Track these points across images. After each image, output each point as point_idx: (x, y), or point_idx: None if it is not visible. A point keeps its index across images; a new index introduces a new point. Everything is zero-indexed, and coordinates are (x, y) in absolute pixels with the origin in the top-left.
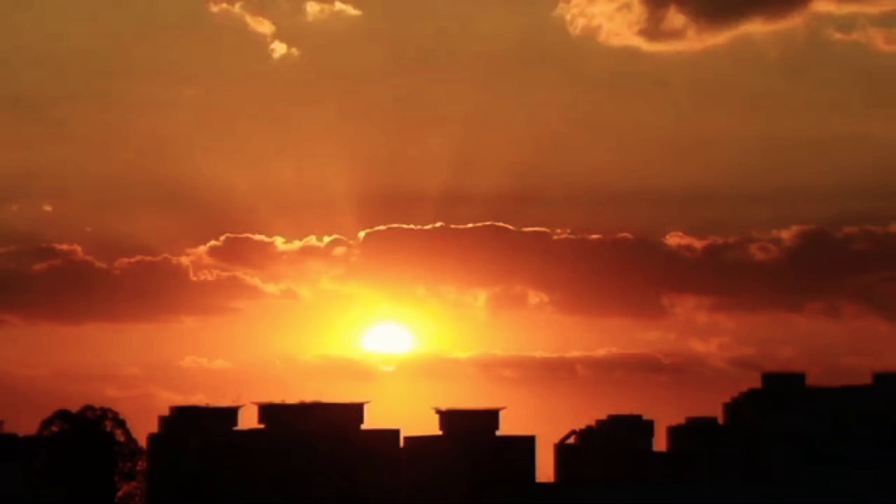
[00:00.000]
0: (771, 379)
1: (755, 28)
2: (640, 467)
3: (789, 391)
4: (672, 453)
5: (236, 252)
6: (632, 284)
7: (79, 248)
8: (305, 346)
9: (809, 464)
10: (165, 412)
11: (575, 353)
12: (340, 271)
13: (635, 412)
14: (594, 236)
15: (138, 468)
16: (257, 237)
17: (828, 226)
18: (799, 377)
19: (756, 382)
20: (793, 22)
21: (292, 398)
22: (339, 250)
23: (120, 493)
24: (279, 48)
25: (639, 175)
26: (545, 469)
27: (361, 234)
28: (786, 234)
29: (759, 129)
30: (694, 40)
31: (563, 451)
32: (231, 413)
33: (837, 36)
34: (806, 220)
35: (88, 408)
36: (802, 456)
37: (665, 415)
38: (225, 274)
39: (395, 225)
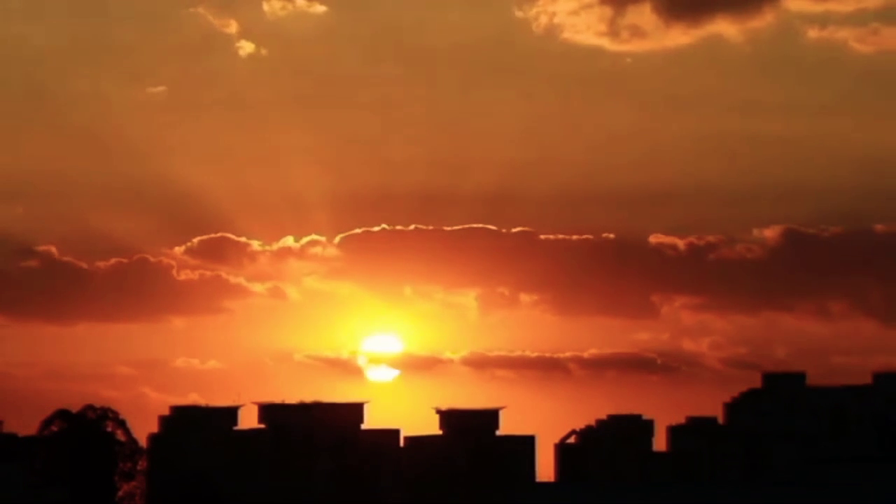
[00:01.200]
0: (771, 379)
1: (724, 27)
2: (640, 467)
3: (789, 391)
4: (672, 453)
5: (215, 253)
6: (618, 285)
7: (54, 249)
8: (296, 346)
9: (809, 464)
10: (157, 412)
11: (566, 353)
12: (323, 272)
13: (633, 412)
14: (578, 237)
15: (138, 468)
16: (235, 238)
17: (807, 225)
18: (799, 377)
19: (756, 382)
20: (764, 20)
21: (290, 398)
22: (318, 251)
23: (120, 493)
24: (246, 47)
25: (618, 175)
26: (545, 469)
27: (339, 237)
28: (767, 234)
29: (734, 129)
30: (667, 39)
31: (563, 451)
32: (231, 413)
33: (809, 34)
34: (785, 219)
35: (89, 407)
36: (802, 456)
37: (664, 414)
38: (208, 274)
39: (379, 227)
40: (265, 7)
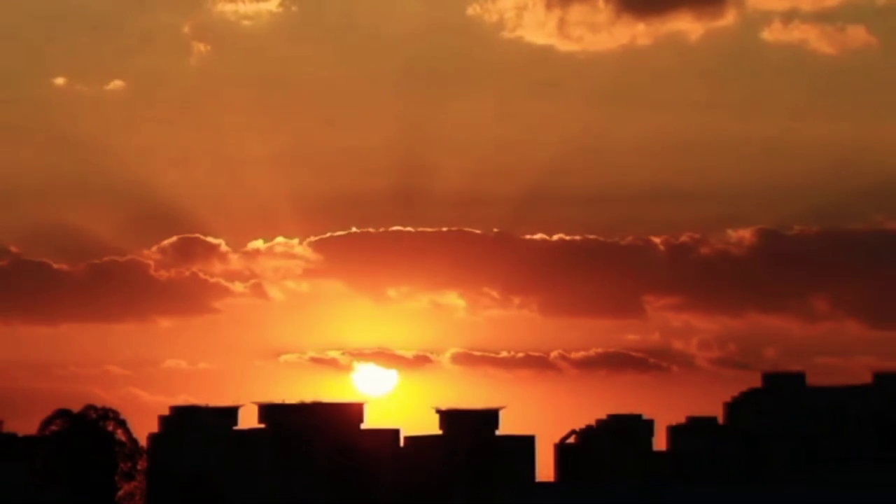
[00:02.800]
0: (771, 379)
1: (685, 25)
2: (640, 467)
3: (789, 391)
4: (672, 453)
5: (187, 254)
6: (600, 285)
7: (14, 249)
8: (285, 346)
9: (809, 464)
10: (148, 413)
11: (552, 353)
12: (299, 273)
13: (632, 412)
14: (558, 237)
15: (139, 468)
16: (204, 238)
17: (779, 226)
18: (799, 377)
19: (755, 382)
20: (726, 19)
21: (283, 398)
22: (298, 252)
23: (120, 493)
24: (203, 45)
25: (586, 176)
26: (545, 469)
27: (312, 239)
28: (740, 234)
29: (698, 129)
30: (627, 36)
31: (563, 451)
32: (231, 413)
33: (770, 33)
34: (756, 220)
35: (90, 407)
36: (802, 456)
37: (663, 414)
38: (186, 274)
39: (349, 230)
40: (225, 5)
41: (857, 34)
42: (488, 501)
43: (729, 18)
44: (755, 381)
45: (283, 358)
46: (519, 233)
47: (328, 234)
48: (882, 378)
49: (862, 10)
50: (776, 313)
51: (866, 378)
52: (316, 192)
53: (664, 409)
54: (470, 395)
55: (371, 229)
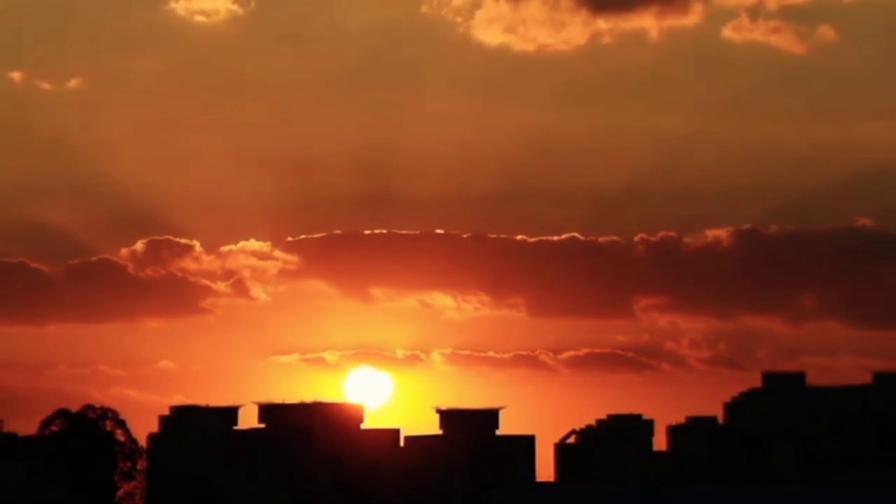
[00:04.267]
0: (771, 379)
1: (646, 22)
2: (641, 466)
3: (789, 391)
4: (672, 453)
5: (162, 255)
6: (584, 285)
7: None
8: (276, 346)
9: (809, 464)
10: (141, 413)
11: (541, 353)
12: (276, 274)
13: (624, 411)
14: (539, 238)
15: (138, 468)
16: (175, 240)
17: (759, 225)
18: (799, 377)
19: (754, 382)
20: (688, 17)
21: (285, 398)
22: (276, 253)
23: (120, 493)
24: (164, 44)
25: (559, 175)
26: (545, 469)
27: (288, 240)
28: (717, 233)
29: (666, 129)
30: (589, 35)
31: (563, 451)
32: (231, 413)
33: (732, 31)
34: (732, 219)
35: (89, 407)
36: (802, 456)
37: (660, 413)
38: (166, 273)
39: (334, 231)
40: (185, 3)
41: (824, 32)
42: (488, 501)
43: (693, 16)
44: (755, 381)
45: (274, 359)
46: (496, 232)
47: (302, 236)
48: (882, 378)
49: (828, 9)
50: (762, 313)
51: (866, 378)
52: (284, 194)
53: (659, 408)
54: (464, 394)
55: (338, 231)
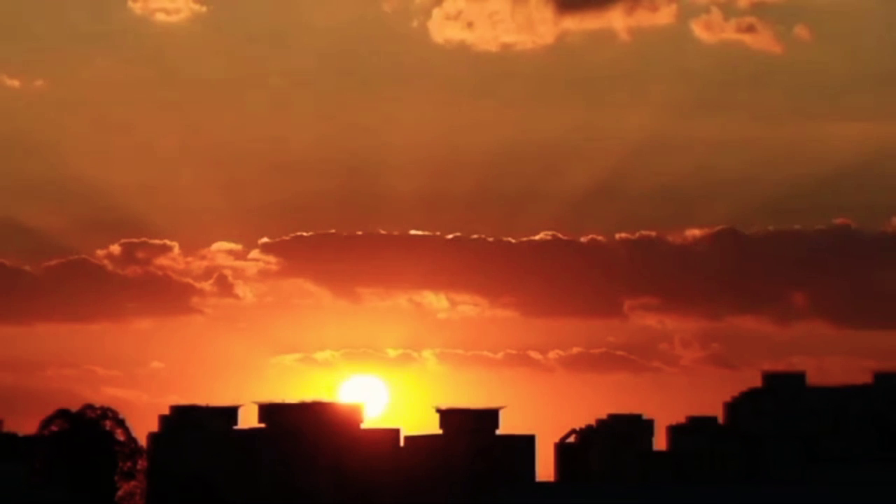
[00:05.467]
0: (771, 379)
1: (613, 20)
2: (641, 466)
3: (789, 391)
4: (672, 453)
5: (140, 255)
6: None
7: None
8: (268, 346)
9: (809, 464)
10: (136, 413)
11: (532, 352)
12: (255, 274)
13: (620, 410)
14: (519, 238)
15: (138, 467)
16: (151, 241)
17: (738, 224)
18: (799, 377)
19: (752, 381)
20: (658, 16)
21: (284, 398)
22: (253, 254)
23: (120, 493)
24: (132, 43)
25: (534, 175)
26: (545, 468)
27: (262, 241)
28: (700, 233)
29: (640, 129)
30: (558, 34)
31: (563, 451)
32: (231, 413)
33: (703, 30)
34: (715, 219)
35: (89, 407)
36: (802, 456)
37: (655, 412)
38: (148, 274)
39: (293, 234)
40: (148, 3)
41: (798, 30)
42: (488, 501)
43: (664, 15)
44: (753, 381)
45: (269, 359)
46: (475, 232)
47: (280, 237)
48: (882, 378)
49: (801, 7)
50: (750, 313)
51: (866, 378)
52: (259, 195)
53: (658, 408)
54: (460, 394)
55: (310, 232)
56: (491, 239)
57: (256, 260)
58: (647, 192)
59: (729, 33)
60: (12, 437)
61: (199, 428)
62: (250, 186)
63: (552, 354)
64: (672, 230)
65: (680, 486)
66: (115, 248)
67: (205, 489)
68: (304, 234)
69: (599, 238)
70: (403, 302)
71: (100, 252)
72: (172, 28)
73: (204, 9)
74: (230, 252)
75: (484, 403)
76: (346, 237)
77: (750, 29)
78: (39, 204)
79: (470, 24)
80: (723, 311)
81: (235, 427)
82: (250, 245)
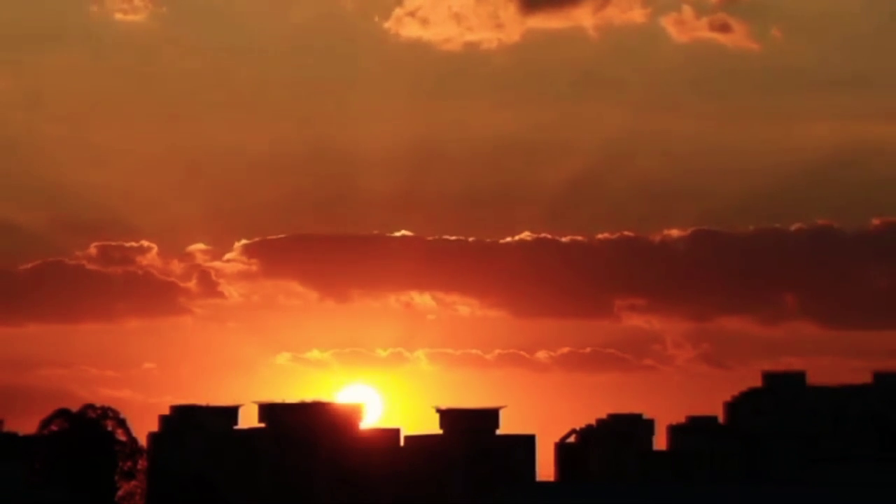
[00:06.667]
0: (771, 379)
1: (582, 17)
2: (641, 466)
3: (789, 391)
4: (672, 452)
5: (117, 257)
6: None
7: None
8: (263, 346)
9: (809, 464)
10: (133, 414)
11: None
12: (234, 273)
13: (618, 410)
14: (506, 238)
15: (139, 467)
16: (137, 243)
17: (715, 224)
18: (799, 377)
19: (755, 382)
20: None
21: (284, 398)
22: (229, 255)
23: (120, 492)
24: (88, 46)
25: (511, 174)
26: (545, 468)
27: (239, 243)
28: (679, 233)
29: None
30: (526, 32)
31: (563, 451)
32: (231, 413)
33: (673, 26)
34: (692, 219)
35: (89, 407)
36: (802, 456)
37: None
38: (128, 274)
39: (283, 234)
40: (114, 4)
41: (769, 28)
42: (488, 501)
43: (633, 12)
44: (750, 381)
45: (263, 359)
46: (451, 234)
47: (256, 239)
48: (882, 378)
49: (772, 5)
50: (737, 314)
51: (866, 378)
52: (232, 196)
53: (655, 407)
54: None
55: (287, 234)
56: (472, 239)
57: (235, 261)
58: (624, 192)
59: (701, 31)
60: (12, 437)
61: (199, 428)
62: (226, 188)
63: (546, 354)
64: (651, 230)
65: (680, 486)
66: (92, 250)
67: (205, 489)
68: (282, 235)
69: (580, 238)
70: (391, 302)
71: (78, 253)
72: (134, 28)
73: (164, 9)
74: (207, 252)
75: (478, 403)
76: (324, 238)
77: (723, 27)
78: (12, 204)
79: (433, 23)
80: (711, 311)
81: (235, 427)
82: (227, 246)
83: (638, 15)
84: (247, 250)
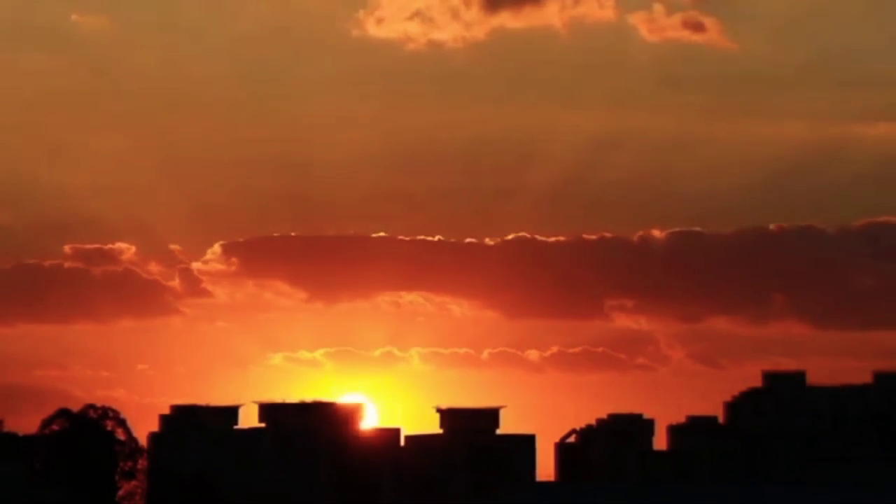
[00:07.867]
0: (771, 378)
1: (550, 15)
2: (641, 466)
3: (789, 391)
4: (672, 452)
5: (105, 257)
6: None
7: None
8: (259, 346)
9: (809, 463)
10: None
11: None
12: (214, 274)
13: (616, 411)
14: (491, 240)
15: (139, 467)
16: (115, 245)
17: (700, 225)
18: (799, 377)
19: (756, 381)
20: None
21: (285, 398)
22: (210, 255)
23: (121, 493)
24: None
25: (495, 174)
26: (545, 468)
27: (217, 245)
28: (654, 234)
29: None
30: (492, 30)
31: (563, 451)
32: (231, 412)
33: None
34: (675, 221)
35: (90, 407)
36: (802, 456)
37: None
38: (110, 275)
39: (260, 235)
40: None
41: (743, 26)
42: (488, 501)
43: (603, 10)
44: (755, 381)
45: (260, 359)
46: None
47: (234, 240)
48: (882, 378)
49: (745, 3)
50: (726, 314)
51: (866, 378)
52: (211, 197)
53: (653, 407)
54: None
55: (267, 234)
56: (453, 240)
57: (214, 261)
58: (603, 192)
59: (674, 30)
60: (12, 437)
61: (199, 428)
62: (203, 188)
63: (537, 354)
64: (633, 231)
65: (680, 486)
66: (67, 251)
67: (205, 489)
68: (259, 235)
69: (562, 239)
70: (381, 302)
71: (56, 254)
72: (95, 28)
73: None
74: (185, 254)
75: (474, 403)
76: (302, 239)
77: (695, 25)
78: None
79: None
80: (700, 311)
81: (235, 427)
82: (203, 248)
83: (608, 13)
84: (226, 251)
